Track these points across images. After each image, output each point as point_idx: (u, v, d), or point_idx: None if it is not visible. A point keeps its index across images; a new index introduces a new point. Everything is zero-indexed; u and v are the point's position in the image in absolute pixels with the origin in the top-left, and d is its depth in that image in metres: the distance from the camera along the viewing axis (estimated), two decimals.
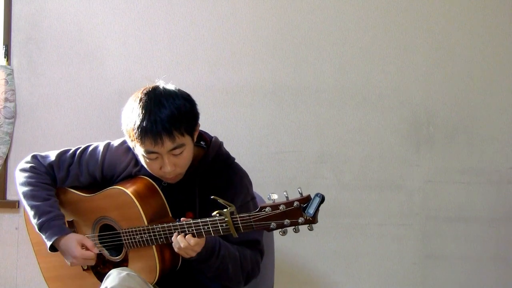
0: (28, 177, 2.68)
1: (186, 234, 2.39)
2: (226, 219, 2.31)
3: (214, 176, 2.61)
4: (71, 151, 2.73)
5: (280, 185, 3.58)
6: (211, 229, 2.36)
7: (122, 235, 2.56)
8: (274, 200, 2.27)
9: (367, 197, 3.64)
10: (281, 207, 2.25)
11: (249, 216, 2.29)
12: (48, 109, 3.62)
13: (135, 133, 2.42)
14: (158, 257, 2.50)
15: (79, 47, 3.61)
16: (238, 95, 3.62)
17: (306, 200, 2.24)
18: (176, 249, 2.42)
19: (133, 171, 2.65)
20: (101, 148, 2.70)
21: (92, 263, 2.63)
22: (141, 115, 2.42)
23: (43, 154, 2.75)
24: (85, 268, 2.70)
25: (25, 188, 2.67)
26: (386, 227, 3.65)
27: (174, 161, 2.47)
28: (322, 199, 2.22)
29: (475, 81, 3.63)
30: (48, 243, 2.59)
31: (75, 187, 2.73)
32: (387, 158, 3.64)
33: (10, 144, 3.62)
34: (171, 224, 2.43)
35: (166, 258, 2.53)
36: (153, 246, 2.50)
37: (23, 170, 2.72)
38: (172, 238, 2.42)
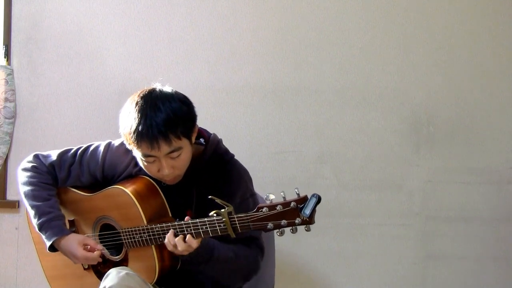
0: (30, 176, 2.69)
1: (176, 235, 2.40)
2: (223, 219, 2.31)
3: (213, 173, 2.61)
4: (72, 151, 2.73)
5: (280, 185, 3.58)
6: (209, 229, 2.36)
7: (122, 234, 2.57)
8: (271, 200, 2.27)
9: (367, 197, 3.64)
10: (278, 208, 2.25)
11: (246, 216, 2.29)
12: (48, 109, 3.63)
13: (132, 137, 2.42)
14: (157, 257, 2.51)
15: (79, 47, 3.62)
16: (238, 95, 3.62)
17: (303, 200, 2.23)
18: (169, 248, 2.43)
19: (134, 171, 2.65)
20: (102, 148, 2.70)
21: (95, 262, 2.63)
22: (137, 119, 2.41)
23: (44, 153, 2.75)
24: (86, 267, 2.71)
25: (27, 188, 2.67)
26: (386, 227, 3.64)
27: (172, 163, 2.47)
28: (319, 200, 2.22)
29: (475, 81, 3.63)
30: (48, 243, 2.60)
31: (76, 186, 2.73)
32: (387, 158, 3.63)
33: (10, 144, 3.62)
34: (170, 224, 2.43)
35: (166, 258, 2.53)
36: (153, 246, 2.50)
37: (25, 169, 2.72)
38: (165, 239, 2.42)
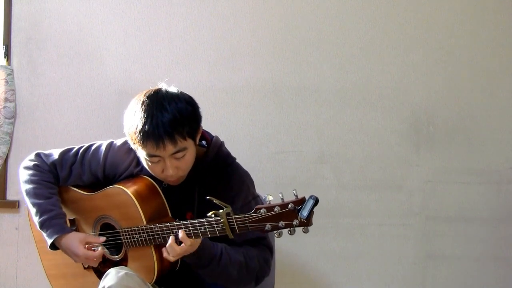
0: (31, 175, 2.69)
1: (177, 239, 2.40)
2: (221, 220, 2.31)
3: (214, 176, 2.61)
4: (74, 150, 2.74)
5: (280, 185, 3.58)
6: (207, 229, 2.36)
7: (121, 234, 2.57)
8: (269, 201, 2.27)
9: (367, 197, 3.64)
10: (276, 209, 2.25)
11: (244, 217, 2.29)
12: (48, 109, 3.63)
13: (137, 137, 2.42)
14: (156, 257, 2.51)
15: (79, 47, 3.62)
16: (238, 95, 3.62)
17: (301, 202, 2.23)
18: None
19: (135, 171, 2.65)
20: (103, 148, 2.71)
21: (95, 264, 2.63)
22: (143, 118, 2.41)
23: (46, 152, 2.76)
24: (86, 266, 2.71)
25: (28, 186, 2.68)
26: (386, 227, 3.64)
27: (176, 164, 2.47)
28: (316, 202, 2.22)
29: (475, 81, 3.62)
30: (49, 241, 2.60)
31: (77, 185, 2.74)
32: (387, 158, 3.63)
33: (10, 144, 3.62)
34: (169, 224, 2.44)
35: (165, 258, 2.52)
36: (152, 246, 2.50)
37: (27, 168, 2.73)
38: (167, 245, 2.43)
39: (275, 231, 2.26)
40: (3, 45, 3.61)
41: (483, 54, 3.62)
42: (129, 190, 2.54)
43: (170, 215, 2.57)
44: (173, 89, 2.52)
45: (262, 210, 2.26)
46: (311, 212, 2.22)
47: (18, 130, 3.63)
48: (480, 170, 3.64)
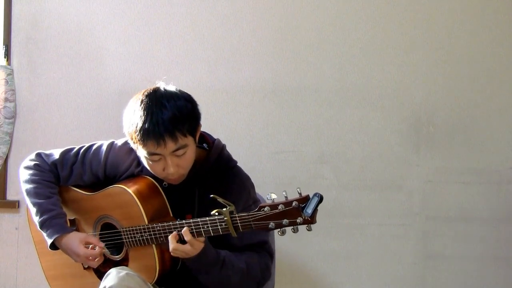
0: (32, 174, 2.69)
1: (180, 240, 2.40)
2: (225, 218, 2.31)
3: (215, 178, 2.61)
4: (75, 150, 2.73)
5: (280, 185, 3.58)
6: (210, 228, 2.36)
7: (122, 233, 2.57)
8: (273, 199, 2.27)
9: (367, 197, 3.64)
10: (280, 207, 2.25)
11: (248, 215, 2.30)
12: (48, 109, 3.63)
13: (137, 135, 2.42)
14: (158, 257, 2.51)
15: (79, 47, 3.62)
16: (238, 95, 3.62)
17: (305, 200, 2.24)
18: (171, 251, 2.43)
19: (136, 171, 2.65)
20: (104, 148, 2.70)
21: (96, 265, 2.63)
22: (143, 117, 2.41)
23: (47, 152, 2.76)
24: (86, 266, 2.70)
25: (29, 186, 2.67)
26: (386, 227, 3.64)
27: (177, 162, 2.47)
28: (321, 199, 2.22)
29: (475, 81, 3.63)
30: (49, 241, 2.60)
31: (78, 185, 2.73)
32: (387, 158, 3.63)
33: (10, 144, 3.62)
34: (171, 223, 2.44)
35: (166, 258, 2.53)
36: (153, 246, 2.50)
37: (27, 167, 2.72)
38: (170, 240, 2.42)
39: (279, 229, 2.26)
40: (3, 45, 3.61)
41: (483, 54, 3.62)
42: (130, 189, 2.54)
43: (171, 214, 2.57)
44: (171, 87, 2.53)
45: (265, 208, 2.26)
46: (315, 210, 2.22)
47: (18, 130, 3.63)
48: (480, 170, 3.64)
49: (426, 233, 3.65)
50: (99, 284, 2.50)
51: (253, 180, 2.71)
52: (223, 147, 2.67)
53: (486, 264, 3.66)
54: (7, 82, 3.58)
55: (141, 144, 2.43)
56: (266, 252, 2.61)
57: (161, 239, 2.46)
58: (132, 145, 2.53)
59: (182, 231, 2.39)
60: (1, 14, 3.61)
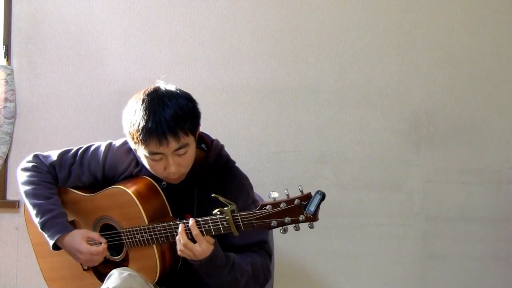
0: (30, 176, 2.67)
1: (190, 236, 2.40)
2: (226, 217, 2.31)
3: (214, 179, 2.60)
4: (73, 151, 2.72)
5: (280, 185, 3.57)
6: (212, 227, 2.35)
7: (122, 234, 2.56)
8: (274, 198, 2.27)
9: (367, 197, 3.64)
10: (282, 205, 2.25)
11: (250, 214, 2.29)
12: (48, 109, 3.63)
13: (140, 135, 2.40)
14: (158, 257, 2.50)
15: (79, 47, 3.62)
16: (238, 95, 3.62)
17: (307, 197, 2.24)
18: (178, 251, 2.42)
19: (134, 171, 2.64)
20: (102, 148, 2.69)
21: (98, 261, 2.61)
22: (145, 116, 2.39)
23: (45, 153, 2.74)
24: (86, 268, 2.70)
25: (27, 187, 2.66)
26: (386, 227, 3.65)
27: (178, 161, 2.46)
28: (323, 197, 2.22)
29: (475, 81, 3.63)
30: (51, 242, 2.58)
31: (76, 186, 2.72)
32: (387, 158, 3.64)
33: (10, 144, 3.62)
34: (171, 223, 2.43)
35: (167, 258, 2.52)
36: (154, 246, 2.49)
37: (25, 169, 2.71)
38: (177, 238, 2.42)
39: (281, 227, 2.26)
40: (3, 45, 3.61)
41: (483, 54, 3.62)
42: (130, 190, 2.53)
43: (171, 214, 2.56)
44: (171, 86, 2.51)
45: (267, 207, 2.26)
46: (318, 208, 2.22)
47: (18, 130, 3.63)
48: (480, 170, 3.64)
49: (426, 233, 3.65)
50: (99, 285, 2.50)
51: (253, 180, 2.70)
52: (221, 147, 2.67)
53: (486, 264, 3.66)
54: (7, 82, 3.58)
55: (143, 143, 2.42)
56: (265, 252, 2.61)
57: (162, 239, 2.46)
58: (132, 145, 2.52)
59: (190, 224, 2.37)
60: (1, 14, 3.61)
